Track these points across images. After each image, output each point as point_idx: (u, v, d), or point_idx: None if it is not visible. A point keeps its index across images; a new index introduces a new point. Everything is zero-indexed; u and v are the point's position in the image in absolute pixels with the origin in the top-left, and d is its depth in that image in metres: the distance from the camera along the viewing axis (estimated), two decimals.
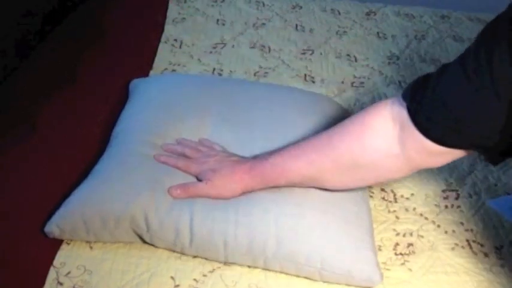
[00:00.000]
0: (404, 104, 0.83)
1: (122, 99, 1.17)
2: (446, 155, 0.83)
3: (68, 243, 0.91)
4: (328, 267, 0.88)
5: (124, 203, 0.90)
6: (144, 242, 0.91)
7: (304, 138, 0.96)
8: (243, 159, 0.98)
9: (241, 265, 0.91)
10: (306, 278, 0.90)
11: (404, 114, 0.83)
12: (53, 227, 0.90)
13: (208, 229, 0.89)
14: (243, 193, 0.94)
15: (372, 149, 0.87)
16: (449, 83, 0.79)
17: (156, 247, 0.92)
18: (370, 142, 0.87)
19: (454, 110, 0.78)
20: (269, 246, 0.88)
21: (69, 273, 0.87)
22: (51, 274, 0.86)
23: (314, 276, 0.89)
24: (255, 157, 0.99)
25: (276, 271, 0.90)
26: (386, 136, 0.86)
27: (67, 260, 0.89)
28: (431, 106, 0.80)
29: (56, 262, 0.88)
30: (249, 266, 0.91)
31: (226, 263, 0.91)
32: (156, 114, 1.07)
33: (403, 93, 0.85)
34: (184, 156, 1.00)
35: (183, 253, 0.91)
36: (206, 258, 0.91)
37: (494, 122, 0.75)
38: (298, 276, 0.90)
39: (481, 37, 0.77)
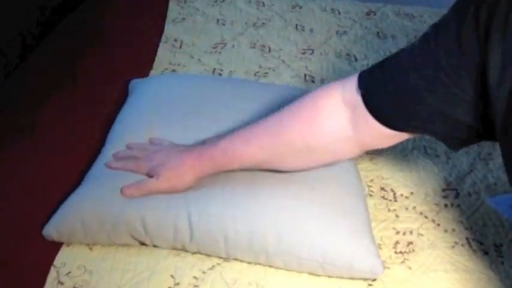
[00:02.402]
0: (359, 90, 0.84)
1: (121, 99, 1.17)
2: (396, 137, 0.86)
3: (68, 245, 0.91)
4: (330, 260, 0.88)
5: (120, 207, 0.89)
6: (144, 244, 0.91)
7: (254, 122, 0.94)
8: (190, 147, 0.96)
9: (241, 261, 0.90)
10: (306, 274, 0.90)
11: (357, 98, 0.84)
12: (51, 230, 0.89)
13: (207, 224, 0.88)
14: (197, 180, 0.92)
15: (324, 132, 0.88)
16: (400, 69, 0.82)
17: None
18: (322, 125, 0.88)
19: (402, 95, 0.81)
20: (269, 241, 0.88)
21: (69, 272, 0.87)
22: (52, 274, 0.86)
23: (317, 270, 0.89)
24: (204, 142, 0.96)
25: (278, 268, 0.90)
26: (338, 119, 0.87)
27: (67, 260, 0.89)
28: (383, 91, 0.83)
29: (56, 262, 0.88)
30: (249, 263, 0.91)
31: (226, 259, 0.91)
32: (153, 116, 1.06)
33: (359, 78, 0.86)
34: (134, 158, 0.97)
35: (184, 250, 0.91)
36: (207, 255, 0.91)
37: (436, 108, 0.78)
38: (298, 272, 0.90)
39: (433, 27, 0.80)
